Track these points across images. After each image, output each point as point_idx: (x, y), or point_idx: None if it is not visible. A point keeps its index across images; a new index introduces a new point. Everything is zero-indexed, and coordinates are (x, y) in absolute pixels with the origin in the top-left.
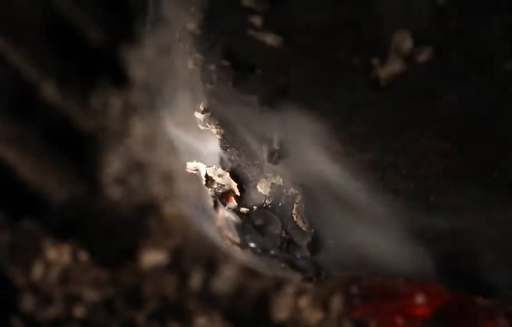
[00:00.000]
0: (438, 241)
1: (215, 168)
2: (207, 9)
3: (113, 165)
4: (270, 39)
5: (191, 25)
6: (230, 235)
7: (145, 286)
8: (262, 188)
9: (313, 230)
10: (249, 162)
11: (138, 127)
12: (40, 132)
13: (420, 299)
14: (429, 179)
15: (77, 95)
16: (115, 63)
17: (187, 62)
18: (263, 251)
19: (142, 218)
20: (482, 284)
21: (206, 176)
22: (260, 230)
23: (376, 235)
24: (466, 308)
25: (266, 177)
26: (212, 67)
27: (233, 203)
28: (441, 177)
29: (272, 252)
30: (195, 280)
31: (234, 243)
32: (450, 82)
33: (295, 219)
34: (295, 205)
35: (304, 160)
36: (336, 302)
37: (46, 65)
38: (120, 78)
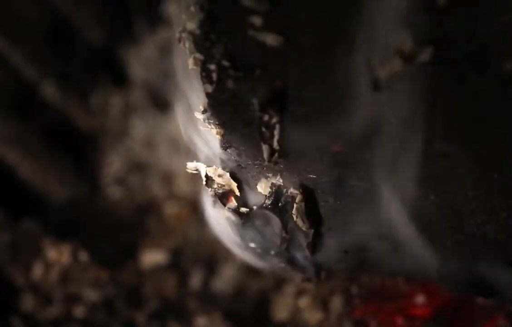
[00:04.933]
0: (439, 241)
1: (215, 168)
2: (207, 9)
3: (113, 165)
4: (270, 39)
5: (191, 25)
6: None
7: (145, 286)
8: (262, 188)
9: (313, 230)
10: (249, 162)
11: (138, 127)
12: (40, 132)
13: (420, 299)
14: (429, 180)
15: (77, 95)
16: (115, 63)
17: (187, 62)
18: (263, 251)
19: (142, 218)
20: (482, 284)
21: (206, 176)
22: (260, 230)
23: (377, 235)
24: (466, 308)
25: (266, 177)
26: (212, 67)
27: (233, 203)
28: (441, 177)
29: (272, 252)
30: (195, 280)
31: (234, 243)
32: (450, 82)
33: (295, 219)
34: (295, 205)
35: (305, 160)
36: (336, 302)
37: (46, 65)
38: (120, 78)
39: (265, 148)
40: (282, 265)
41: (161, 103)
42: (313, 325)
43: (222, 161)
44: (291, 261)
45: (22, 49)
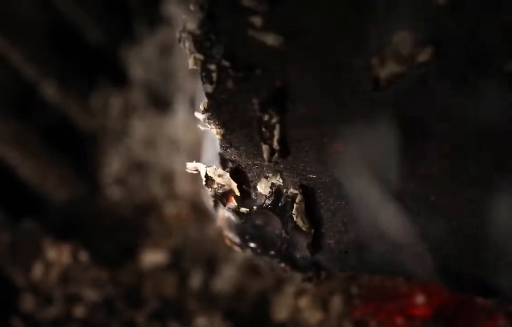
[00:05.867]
0: (438, 241)
1: (215, 168)
2: (207, 9)
3: (113, 165)
4: (270, 39)
5: (191, 25)
6: (230, 235)
7: (145, 286)
8: (262, 188)
9: (313, 230)
10: (249, 162)
11: (138, 127)
12: (40, 132)
13: (420, 299)
14: (429, 180)
15: (77, 95)
16: (115, 63)
17: (187, 62)
18: (263, 251)
19: (142, 218)
20: (482, 284)
21: (206, 176)
22: (260, 230)
23: (377, 235)
24: (466, 308)
25: (266, 177)
26: (212, 67)
27: (233, 203)
28: (441, 178)
29: (272, 252)
30: (195, 280)
31: (234, 243)
32: (450, 82)
33: (295, 219)
34: (295, 205)
35: (305, 160)
36: (336, 302)
37: (46, 65)
38: (120, 78)
39: (265, 148)
40: (282, 265)
41: (161, 103)
42: (313, 325)
43: (222, 161)
44: (291, 261)
45: (22, 49)
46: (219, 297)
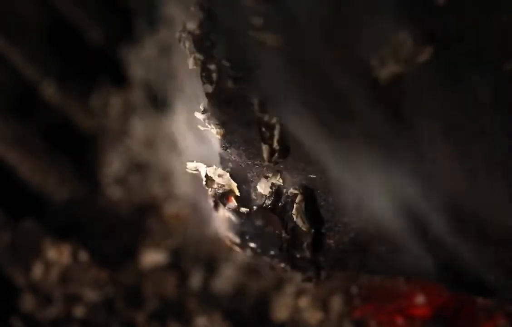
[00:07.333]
0: (439, 241)
1: (215, 168)
2: (207, 9)
3: (113, 165)
4: (270, 39)
5: (191, 25)
6: (230, 235)
7: (145, 286)
8: (262, 188)
9: (313, 230)
10: (249, 162)
11: (138, 127)
12: (40, 132)
13: (420, 299)
14: (429, 179)
15: (77, 95)
16: (115, 63)
17: (187, 62)
18: (263, 251)
19: (142, 218)
20: (482, 284)
21: (206, 176)
22: (260, 230)
23: (377, 235)
24: (466, 308)
25: (266, 177)
26: (212, 67)
27: (233, 203)
28: (441, 177)
29: (272, 252)
30: (195, 280)
31: (234, 243)
32: (450, 82)
33: (295, 219)
34: (295, 205)
35: (305, 160)
36: (336, 302)
37: (46, 65)
38: (120, 78)
39: (265, 148)
40: (282, 265)
41: (161, 103)
42: (313, 325)
43: (222, 161)
44: (291, 261)
45: (22, 49)
46: (219, 297)
